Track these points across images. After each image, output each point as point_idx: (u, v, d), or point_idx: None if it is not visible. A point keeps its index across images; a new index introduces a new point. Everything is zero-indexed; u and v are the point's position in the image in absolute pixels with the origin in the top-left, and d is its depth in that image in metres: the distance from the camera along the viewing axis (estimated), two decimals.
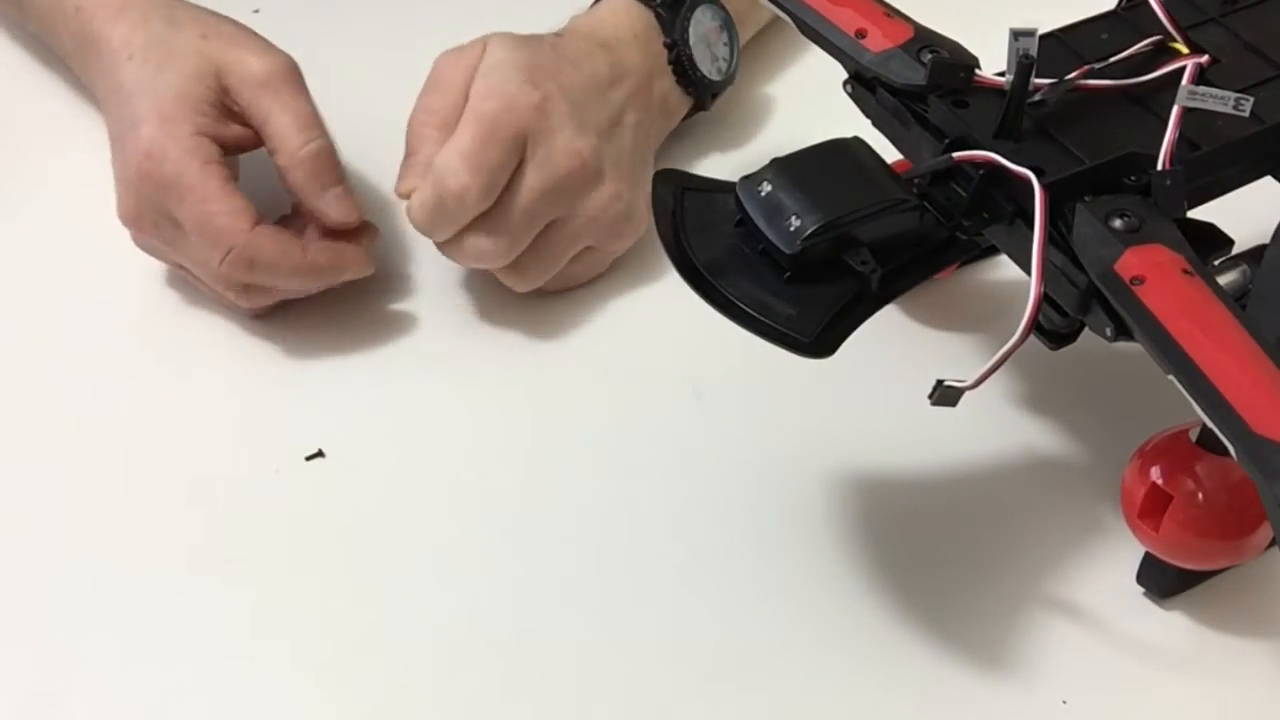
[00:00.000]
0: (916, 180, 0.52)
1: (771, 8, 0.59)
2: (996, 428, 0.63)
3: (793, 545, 0.60)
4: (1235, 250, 0.54)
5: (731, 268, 0.50)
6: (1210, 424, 0.46)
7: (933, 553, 0.60)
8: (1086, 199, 0.51)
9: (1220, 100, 0.51)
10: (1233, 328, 0.47)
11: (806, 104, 0.77)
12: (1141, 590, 0.58)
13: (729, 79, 0.74)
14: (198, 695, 0.55)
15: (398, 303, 0.68)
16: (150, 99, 0.64)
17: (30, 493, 0.62)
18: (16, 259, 0.71)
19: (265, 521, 0.61)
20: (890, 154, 0.54)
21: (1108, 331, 0.50)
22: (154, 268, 0.68)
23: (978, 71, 0.55)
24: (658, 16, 0.71)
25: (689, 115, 0.74)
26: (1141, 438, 0.56)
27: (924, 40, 0.56)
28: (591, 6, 0.72)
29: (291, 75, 0.65)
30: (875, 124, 0.57)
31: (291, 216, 0.66)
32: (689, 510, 0.61)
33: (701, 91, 0.73)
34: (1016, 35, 0.52)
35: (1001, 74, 0.54)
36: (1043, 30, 0.54)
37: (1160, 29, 0.57)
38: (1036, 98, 0.54)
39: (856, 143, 0.52)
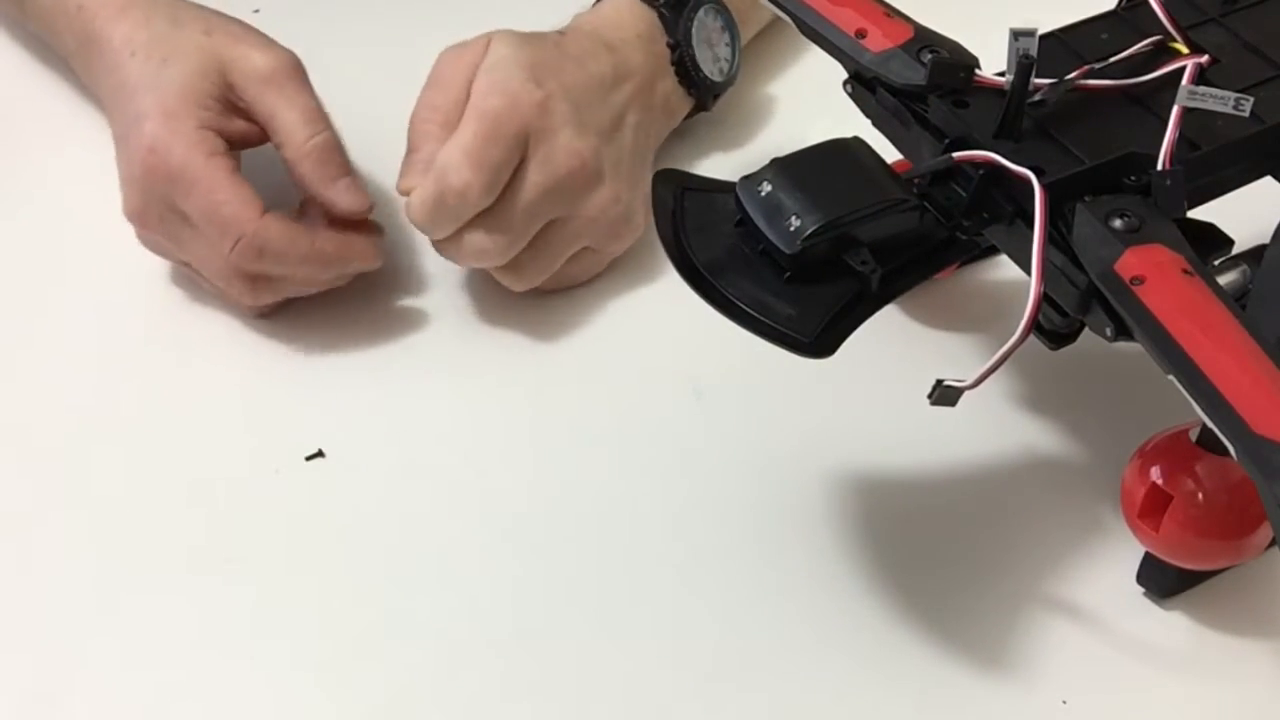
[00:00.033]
0: (916, 180, 0.52)
1: (771, 8, 0.59)
2: (996, 428, 0.63)
3: (793, 545, 0.60)
4: (1235, 250, 0.54)
5: (731, 268, 0.50)
6: (1210, 424, 0.46)
7: (933, 553, 0.60)
8: (1086, 199, 0.51)
9: (1220, 100, 0.51)
10: (1233, 328, 0.47)
11: (806, 104, 0.77)
12: (1141, 590, 0.58)
13: (730, 80, 0.74)
14: (198, 695, 0.55)
15: (398, 303, 0.68)
16: (154, 94, 0.64)
17: (30, 493, 0.62)
18: (16, 258, 0.71)
19: (265, 521, 0.61)
20: (890, 154, 0.54)
21: (1108, 331, 0.50)
22: (154, 268, 0.68)
23: (978, 71, 0.55)
24: (661, 17, 0.71)
25: (689, 115, 0.74)
26: (1141, 438, 0.56)
27: (924, 40, 0.56)
28: (594, 5, 0.72)
29: (296, 70, 0.65)
30: (875, 124, 0.57)
31: (298, 213, 0.66)
32: (689, 510, 0.61)
33: (703, 92, 0.73)
34: (1016, 35, 0.52)
35: (1001, 74, 0.54)
36: (1043, 30, 0.54)
37: (1160, 29, 0.57)
38: (1036, 98, 0.54)
39: (856, 143, 0.52)
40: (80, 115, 0.75)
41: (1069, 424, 0.64)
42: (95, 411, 0.65)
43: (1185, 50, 0.57)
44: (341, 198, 0.64)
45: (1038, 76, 0.53)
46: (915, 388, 0.51)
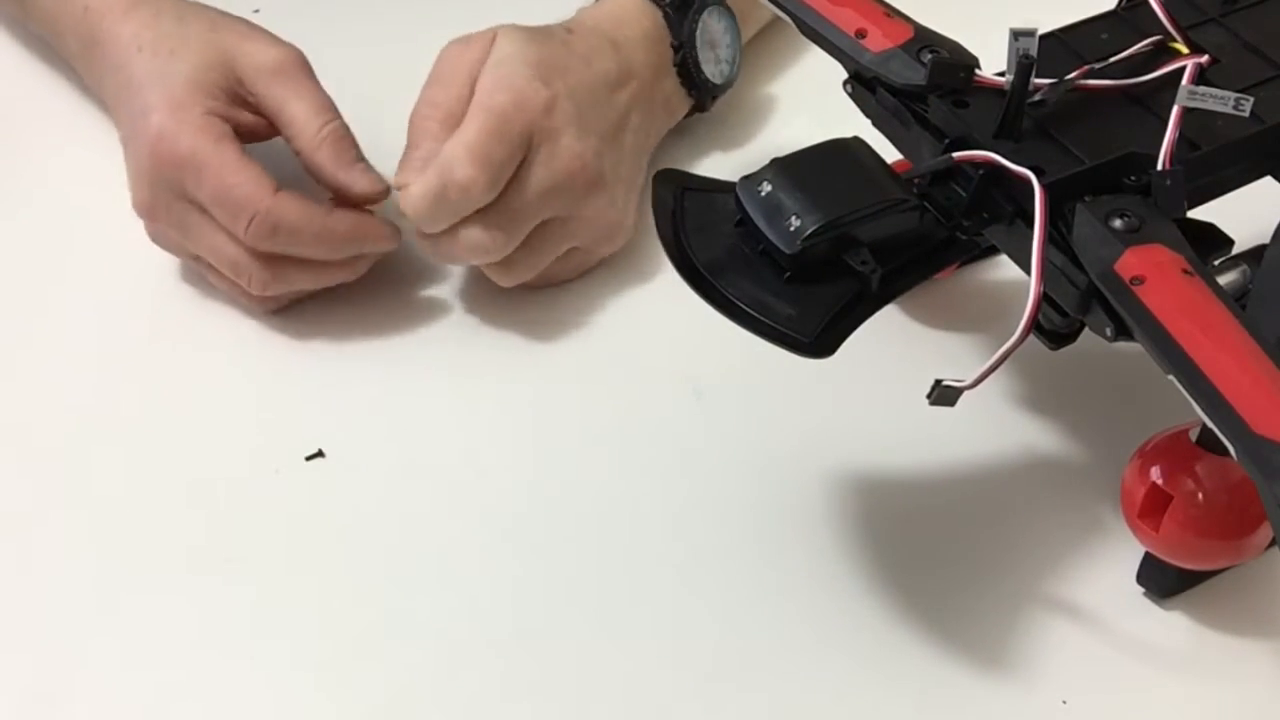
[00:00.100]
0: (916, 180, 0.52)
1: (771, 8, 0.59)
2: (996, 428, 0.63)
3: (793, 545, 0.60)
4: (1235, 250, 0.54)
5: (731, 268, 0.50)
6: (1210, 424, 0.46)
7: (933, 553, 0.60)
8: (1086, 199, 0.51)
9: (1220, 100, 0.51)
10: (1233, 328, 0.47)
11: (806, 104, 0.77)
12: (1141, 590, 0.58)
13: (730, 82, 0.74)
14: (198, 695, 0.55)
15: (398, 303, 0.68)
16: (161, 87, 0.64)
17: (30, 493, 0.62)
18: (16, 258, 0.71)
19: (265, 521, 0.61)
20: (890, 154, 0.54)
21: (1108, 331, 0.50)
22: (153, 268, 0.68)
23: (978, 71, 0.55)
24: (666, 17, 0.71)
25: (687, 116, 0.74)
26: (1141, 438, 0.56)
27: (924, 40, 0.56)
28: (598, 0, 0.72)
29: (302, 64, 0.66)
30: (875, 124, 0.57)
31: None
32: (689, 510, 0.61)
33: (703, 94, 0.73)
34: (1016, 35, 0.52)
35: (1001, 74, 0.54)
36: (1043, 30, 0.54)
37: (1160, 29, 0.57)
38: (1036, 98, 0.54)
39: (856, 143, 0.53)
40: (81, 115, 0.75)
41: (1069, 424, 0.64)
42: (95, 411, 0.65)
43: (1185, 50, 0.57)
44: (359, 181, 0.64)
45: (1038, 76, 0.53)
46: (915, 388, 0.51)
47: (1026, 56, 0.52)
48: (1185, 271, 0.49)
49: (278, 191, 0.62)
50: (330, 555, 0.60)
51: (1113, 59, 0.56)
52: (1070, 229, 0.51)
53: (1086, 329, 0.53)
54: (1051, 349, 0.54)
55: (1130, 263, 0.49)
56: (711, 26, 0.72)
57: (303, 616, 0.58)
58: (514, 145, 0.63)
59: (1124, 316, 0.48)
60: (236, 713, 0.55)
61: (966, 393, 0.50)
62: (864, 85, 0.57)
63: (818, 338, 0.49)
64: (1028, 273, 0.50)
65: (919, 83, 0.55)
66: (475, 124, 0.63)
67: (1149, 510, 0.55)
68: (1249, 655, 0.57)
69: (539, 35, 0.66)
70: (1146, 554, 0.57)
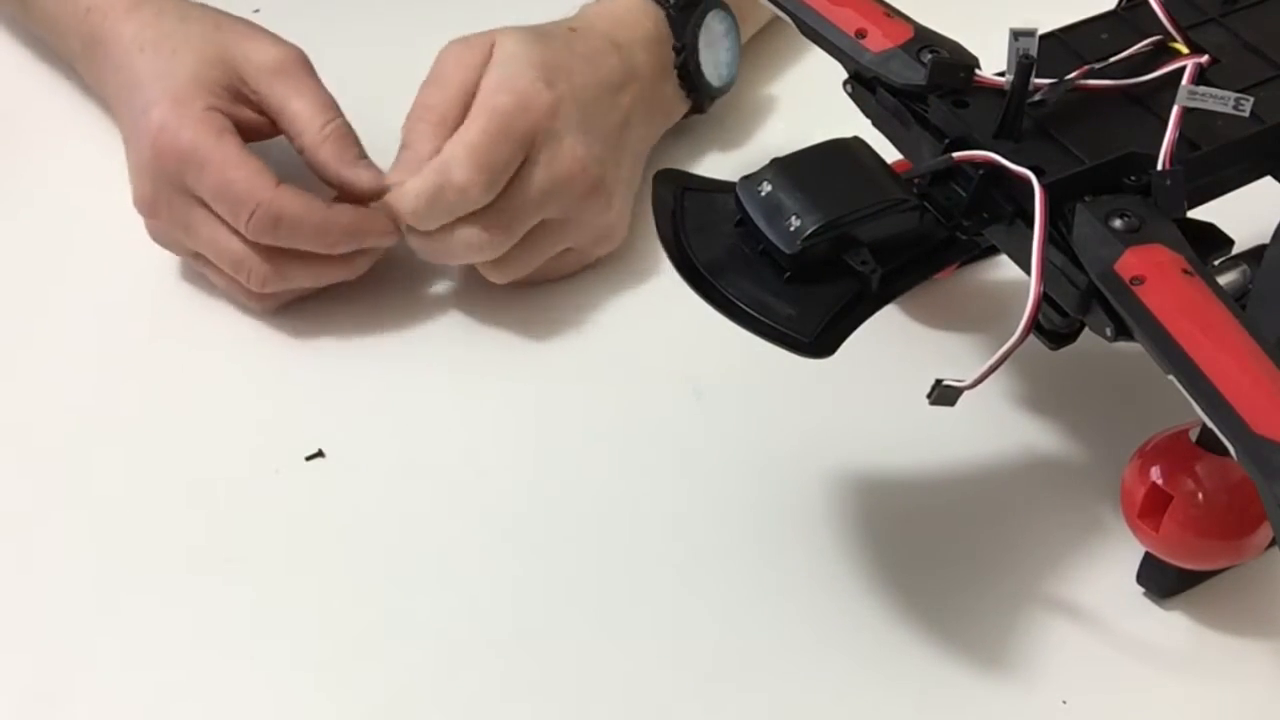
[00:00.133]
0: (916, 180, 0.52)
1: (771, 8, 0.59)
2: (996, 428, 0.63)
3: (793, 545, 0.60)
4: (1235, 250, 0.54)
5: (731, 268, 0.50)
6: (1210, 424, 0.46)
7: (933, 553, 0.60)
8: (1086, 199, 0.51)
9: (1220, 100, 0.51)
10: (1233, 328, 0.47)
11: (806, 104, 0.77)
12: (1141, 590, 0.58)
13: (728, 85, 0.74)
14: (198, 695, 0.55)
15: (398, 303, 0.68)
16: (162, 84, 0.64)
17: (30, 493, 0.62)
18: (17, 258, 0.71)
19: (265, 521, 0.61)
20: (890, 154, 0.54)
21: (1108, 331, 0.50)
22: (153, 268, 0.68)
23: (978, 71, 0.55)
24: (669, 18, 0.71)
25: (684, 117, 0.74)
26: (1141, 438, 0.56)
27: (924, 40, 0.56)
28: None
29: (304, 63, 0.66)
30: (875, 124, 0.57)
31: None
32: (689, 510, 0.61)
33: (702, 96, 0.73)
34: (1016, 35, 0.52)
35: (1001, 74, 0.54)
36: (1043, 30, 0.54)
37: (1160, 29, 0.57)
38: (1036, 98, 0.54)
39: (856, 143, 0.53)
40: (81, 115, 0.75)
41: (1069, 424, 0.64)
42: (95, 411, 0.65)
43: (1185, 50, 0.57)
44: (362, 177, 0.64)
45: (1038, 76, 0.53)
46: (915, 388, 0.51)
47: (1026, 56, 0.52)
48: (1185, 271, 0.49)
49: (279, 185, 0.62)
50: (330, 555, 0.60)
51: (1113, 59, 0.56)
52: (1070, 229, 0.51)
53: (1086, 329, 0.53)
54: (1051, 349, 0.54)
55: (1130, 263, 0.49)
56: (714, 28, 0.72)
57: (303, 616, 0.58)
58: (516, 147, 0.63)
59: (1124, 316, 0.48)
60: (236, 713, 0.55)
61: (966, 393, 0.50)
62: (864, 85, 0.57)
63: (818, 338, 0.49)
64: (1028, 273, 0.50)
65: (919, 83, 0.55)
66: (478, 125, 0.63)
67: (1149, 510, 0.55)
68: (1249, 655, 0.57)
69: (542, 36, 0.66)
70: (1146, 554, 0.57)
